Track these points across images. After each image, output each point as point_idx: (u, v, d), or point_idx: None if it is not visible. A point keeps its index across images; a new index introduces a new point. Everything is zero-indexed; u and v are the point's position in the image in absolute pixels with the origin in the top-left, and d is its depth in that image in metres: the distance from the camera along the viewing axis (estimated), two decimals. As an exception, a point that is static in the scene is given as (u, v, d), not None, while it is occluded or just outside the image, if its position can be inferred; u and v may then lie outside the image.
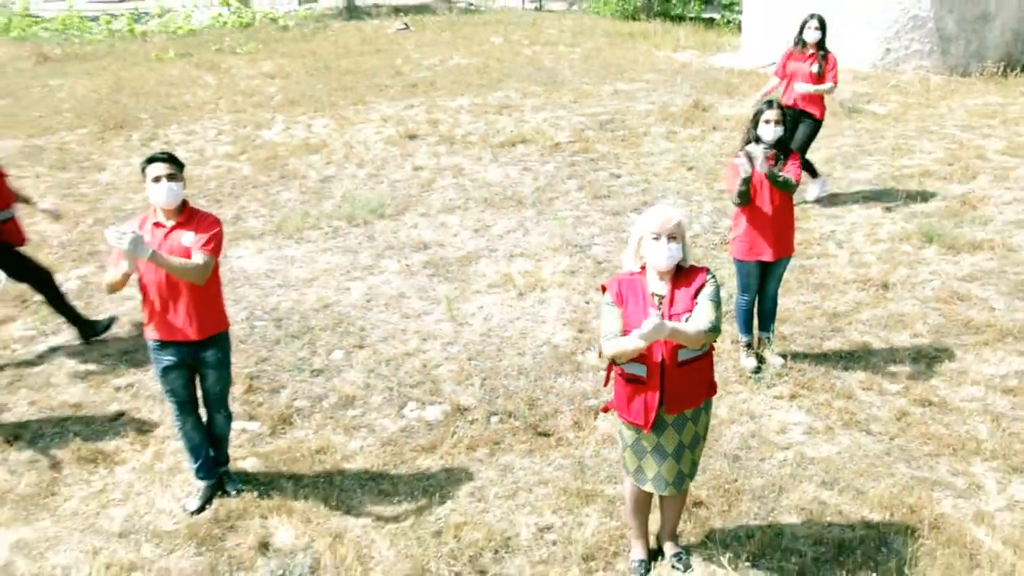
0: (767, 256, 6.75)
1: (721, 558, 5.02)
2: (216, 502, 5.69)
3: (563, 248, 9.27)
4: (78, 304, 8.03)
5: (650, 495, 4.94)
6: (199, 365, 5.44)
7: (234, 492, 5.75)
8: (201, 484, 5.72)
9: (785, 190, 6.59)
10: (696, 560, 5.08)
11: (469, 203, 10.63)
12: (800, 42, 9.70)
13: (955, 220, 9.59)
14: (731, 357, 7.19)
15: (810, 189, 10.31)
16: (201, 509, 5.64)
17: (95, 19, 25.54)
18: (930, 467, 5.86)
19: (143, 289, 5.25)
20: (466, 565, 5.13)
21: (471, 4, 29.89)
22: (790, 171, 6.58)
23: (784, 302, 7.66)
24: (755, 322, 7.18)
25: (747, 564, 5.02)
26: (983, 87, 15.09)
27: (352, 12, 27.73)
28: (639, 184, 11.09)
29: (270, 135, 13.72)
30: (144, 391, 6.98)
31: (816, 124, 9.92)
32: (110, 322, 7.82)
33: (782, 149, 6.67)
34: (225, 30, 24.78)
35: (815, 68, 9.55)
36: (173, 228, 5.22)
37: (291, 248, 9.55)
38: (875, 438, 6.17)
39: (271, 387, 6.98)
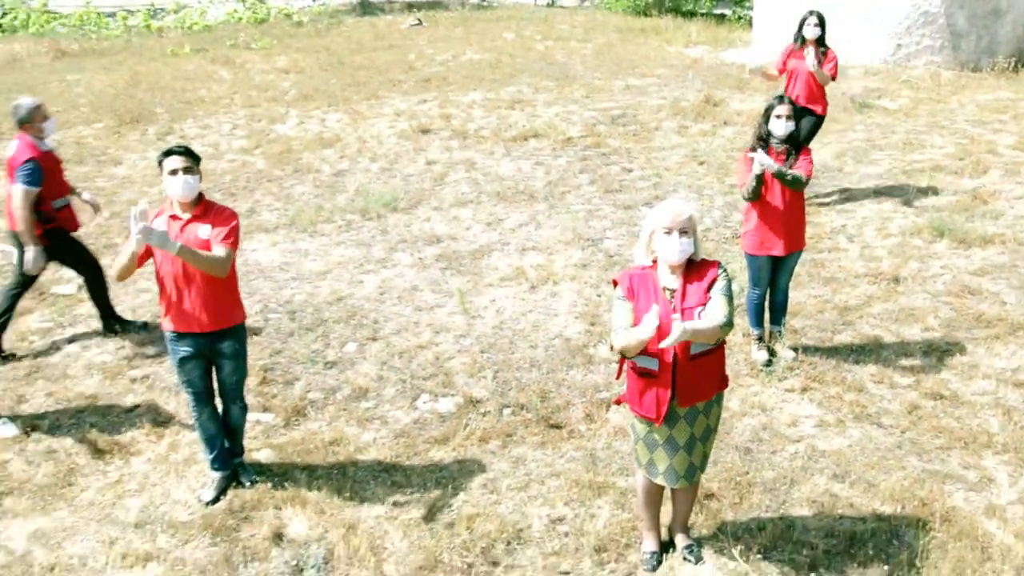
0: (778, 251, 6.76)
1: (732, 550, 5.04)
2: (231, 493, 5.74)
3: (575, 242, 9.29)
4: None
5: (662, 487, 4.95)
6: (215, 356, 5.49)
7: (248, 483, 5.80)
8: (216, 475, 5.77)
9: (795, 188, 6.59)
10: (707, 552, 5.10)
11: (481, 197, 10.66)
12: (800, 39, 9.66)
13: (966, 214, 9.57)
14: (742, 350, 7.21)
15: None
16: (216, 500, 5.68)
17: (112, 15, 25.64)
18: (941, 460, 5.88)
19: (160, 281, 5.30)
20: (478, 556, 5.16)
21: (483, 0, 29.88)
22: (801, 166, 6.59)
23: (795, 296, 7.67)
24: (766, 316, 7.20)
25: (758, 556, 5.03)
26: (994, 82, 15.03)
27: (365, 8, 27.73)
28: (651, 178, 11.10)
29: (284, 129, 13.77)
30: (160, 383, 7.04)
31: (818, 120, 9.90)
32: (144, 326, 7.86)
33: (793, 144, 6.67)
34: (240, 26, 24.83)
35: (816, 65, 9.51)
36: (189, 221, 5.26)
37: (305, 241, 9.60)
38: (886, 431, 6.19)
39: (285, 379, 7.03)
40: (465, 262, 8.95)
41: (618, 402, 4.89)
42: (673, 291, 4.51)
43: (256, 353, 7.22)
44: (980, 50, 15.79)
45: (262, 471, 5.93)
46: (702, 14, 23.39)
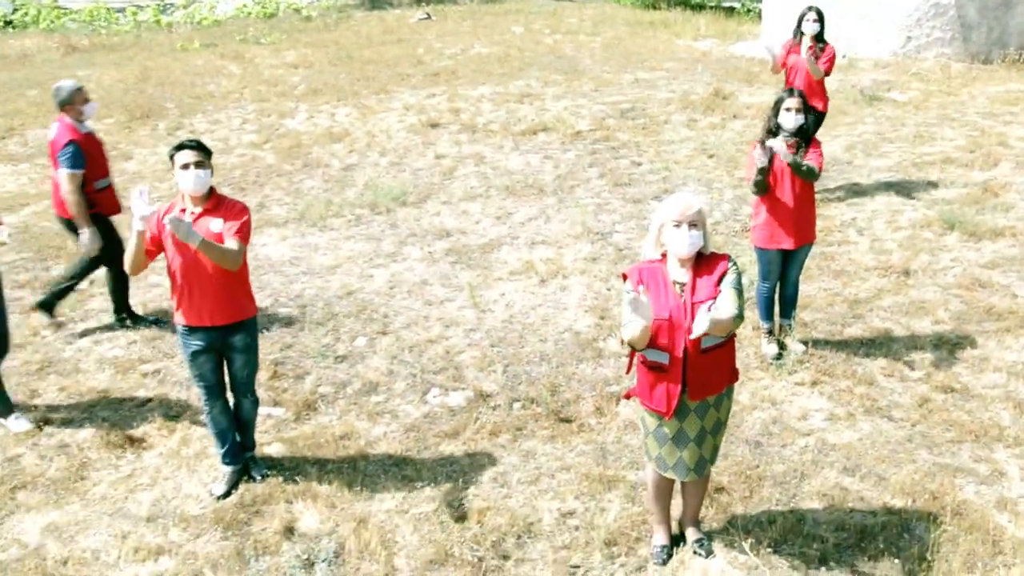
0: (788, 244, 6.75)
1: (743, 543, 5.04)
2: (242, 487, 5.75)
3: (584, 235, 9.30)
4: (103, 291, 8.15)
5: (672, 481, 4.95)
6: (227, 350, 5.50)
7: (259, 477, 5.82)
8: (227, 469, 5.79)
9: (809, 179, 6.58)
10: (718, 546, 5.10)
11: (491, 191, 10.67)
12: (799, 35, 9.62)
13: (976, 207, 9.54)
14: (752, 344, 7.20)
15: None
16: (227, 494, 5.70)
17: (122, 10, 25.75)
18: (952, 453, 5.87)
19: (172, 275, 5.32)
20: (489, 550, 5.17)
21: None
22: (812, 159, 6.58)
23: (805, 289, 7.66)
24: (776, 309, 7.19)
25: (768, 550, 5.03)
26: (1005, 74, 14.97)
27: (374, 2, 27.75)
28: (660, 172, 11.09)
29: (294, 124, 13.80)
30: (171, 377, 7.06)
31: (820, 116, 9.86)
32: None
33: (803, 137, 6.66)
34: (249, 20, 24.89)
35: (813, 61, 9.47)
36: (201, 215, 5.27)
37: (315, 236, 9.62)
38: (897, 424, 6.18)
39: (296, 373, 7.05)
40: (475, 256, 8.97)
41: (628, 396, 4.89)
42: (683, 285, 4.50)
43: (267, 347, 7.24)
44: (991, 42, 15.72)
45: (273, 465, 5.95)
46: (711, 7, 23.35)
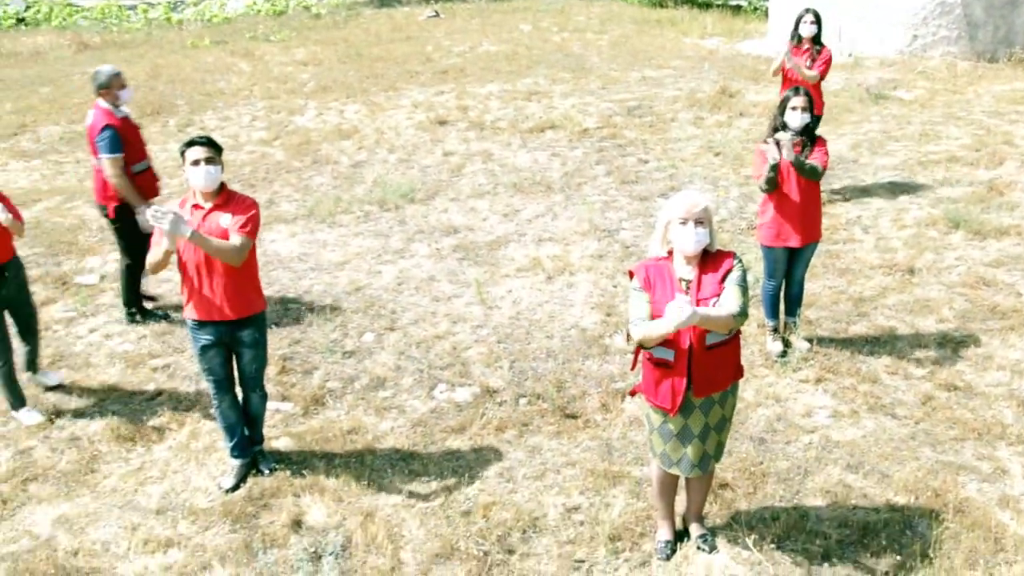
0: (794, 242, 6.77)
1: (746, 540, 5.07)
2: (250, 480, 5.80)
3: (591, 233, 9.33)
4: (115, 285, 8.22)
5: (676, 477, 4.98)
6: (236, 344, 5.55)
7: (268, 471, 5.86)
8: (236, 463, 5.84)
9: (812, 177, 6.60)
10: (721, 541, 5.13)
11: (498, 188, 10.71)
12: (796, 37, 9.60)
13: (982, 206, 9.55)
14: (757, 341, 7.23)
15: None
16: (236, 487, 5.75)
17: (133, 8, 25.88)
18: (955, 451, 5.89)
19: (183, 269, 5.36)
20: (495, 544, 5.20)
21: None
22: (817, 157, 6.60)
23: (810, 287, 7.68)
24: (781, 307, 7.22)
25: (772, 546, 5.06)
26: (1011, 73, 14.94)
27: (383, 0, 27.81)
28: (666, 169, 11.12)
29: (303, 121, 13.85)
30: (180, 371, 7.12)
31: (815, 120, 9.82)
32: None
33: (809, 136, 6.69)
34: (259, 18, 24.97)
35: (809, 63, 9.45)
36: (211, 210, 5.32)
37: (323, 232, 9.67)
38: (900, 422, 6.20)
39: (304, 368, 7.10)
40: (482, 253, 9.01)
41: (633, 393, 4.91)
42: (689, 282, 4.52)
43: (275, 343, 7.30)
44: (997, 40, 15.70)
45: (281, 459, 6.00)
46: (718, 5, 23.35)
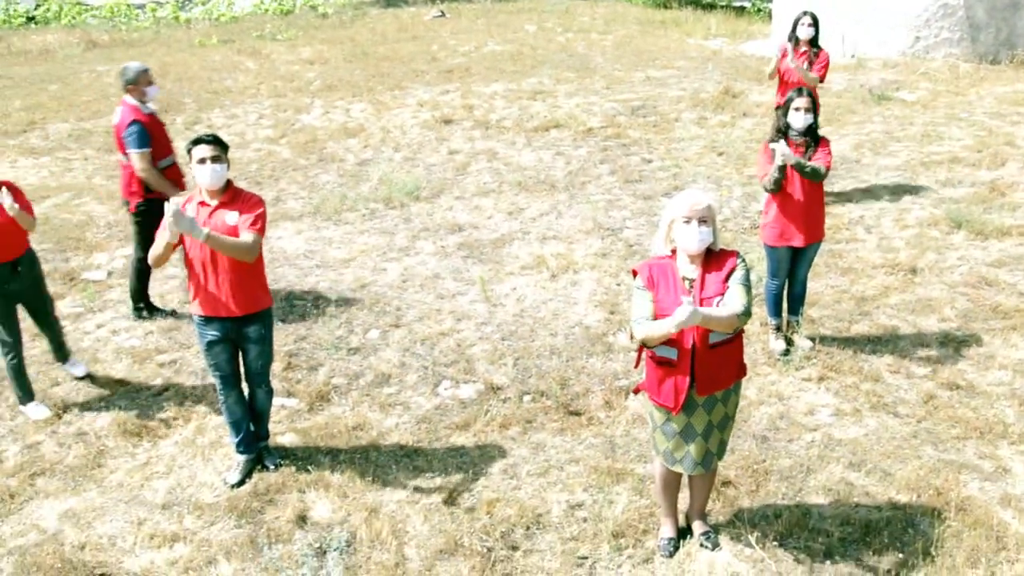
0: (798, 242, 6.79)
1: (749, 537, 5.08)
2: (256, 476, 5.83)
3: (595, 231, 9.36)
4: (122, 282, 8.26)
5: (679, 475, 5.00)
6: (242, 340, 5.57)
7: (273, 466, 5.89)
8: (241, 458, 5.87)
9: (813, 179, 6.60)
10: (724, 539, 5.14)
11: (503, 186, 10.73)
12: (794, 39, 9.59)
13: (984, 206, 9.56)
14: (760, 340, 7.25)
15: None
16: (241, 482, 5.78)
17: (142, 7, 25.98)
18: (957, 450, 5.90)
19: (189, 266, 5.39)
20: (498, 540, 5.22)
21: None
22: (820, 158, 6.62)
23: (813, 286, 7.71)
24: (784, 305, 7.24)
25: (774, 544, 5.07)
26: (1013, 75, 14.93)
27: (389, 0, 27.85)
28: (670, 169, 11.14)
29: (309, 119, 13.89)
30: (187, 367, 7.16)
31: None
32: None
33: (812, 136, 6.71)
34: (266, 17, 25.04)
35: (806, 65, 9.45)
36: (217, 207, 5.35)
37: (329, 229, 9.71)
38: (902, 421, 6.22)
39: (309, 365, 7.14)
40: (486, 251, 9.04)
41: (636, 391, 4.92)
42: (692, 280, 4.53)
43: (281, 339, 7.33)
44: (999, 42, 15.70)
45: (286, 455, 6.03)
46: (722, 6, 23.36)
